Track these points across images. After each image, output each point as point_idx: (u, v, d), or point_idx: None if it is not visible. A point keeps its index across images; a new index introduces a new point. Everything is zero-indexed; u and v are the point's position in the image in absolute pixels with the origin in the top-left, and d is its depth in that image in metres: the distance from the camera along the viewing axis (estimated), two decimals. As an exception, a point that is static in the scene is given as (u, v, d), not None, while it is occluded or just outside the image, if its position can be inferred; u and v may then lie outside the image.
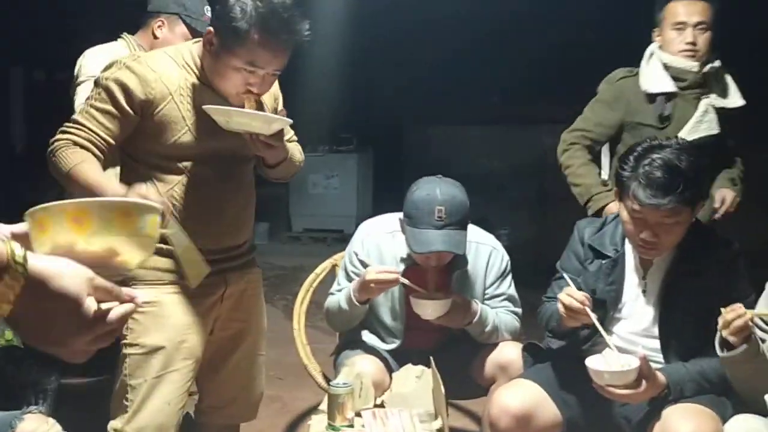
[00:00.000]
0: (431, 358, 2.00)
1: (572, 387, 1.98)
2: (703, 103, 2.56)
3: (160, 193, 1.82)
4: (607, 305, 1.98)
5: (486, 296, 2.25)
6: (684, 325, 1.91)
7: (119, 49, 2.53)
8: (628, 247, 1.99)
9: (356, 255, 2.25)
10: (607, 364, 1.79)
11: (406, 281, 2.10)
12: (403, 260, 2.20)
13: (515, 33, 6.44)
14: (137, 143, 1.88)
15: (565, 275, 1.95)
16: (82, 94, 2.29)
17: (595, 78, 2.77)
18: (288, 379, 3.24)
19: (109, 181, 1.74)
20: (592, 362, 1.79)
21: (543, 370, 2.02)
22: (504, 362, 2.15)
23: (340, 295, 2.22)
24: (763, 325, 1.84)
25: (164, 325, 1.86)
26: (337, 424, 1.86)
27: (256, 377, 2.17)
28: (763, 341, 1.82)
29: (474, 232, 2.25)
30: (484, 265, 2.25)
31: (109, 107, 1.80)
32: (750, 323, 1.68)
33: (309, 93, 5.80)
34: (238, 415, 2.18)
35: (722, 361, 1.74)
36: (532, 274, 2.73)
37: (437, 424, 1.91)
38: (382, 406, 2.02)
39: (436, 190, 2.08)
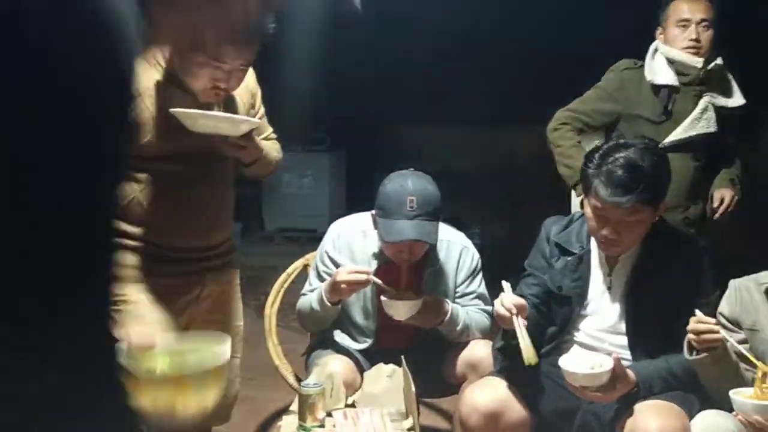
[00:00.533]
0: (402, 357, 2.00)
1: (541, 385, 1.99)
2: (703, 101, 2.56)
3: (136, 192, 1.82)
4: (572, 302, 2.00)
5: (457, 294, 2.26)
6: (650, 321, 1.94)
7: None
8: (594, 245, 2.01)
9: (327, 254, 2.25)
10: (579, 364, 1.81)
11: (377, 281, 2.10)
12: (375, 257, 2.20)
13: (489, 34, 6.47)
14: None
15: (504, 283, 1.95)
16: None
17: (568, 79, 2.79)
18: (259, 380, 3.21)
19: None
20: (566, 363, 1.81)
21: (513, 368, 2.04)
22: (474, 361, 2.16)
23: (311, 296, 2.21)
24: (728, 324, 1.88)
25: (139, 323, 1.84)
26: (308, 425, 1.86)
27: (231, 380, 2.15)
28: (726, 341, 1.86)
29: (445, 230, 2.26)
30: (455, 263, 2.26)
31: None
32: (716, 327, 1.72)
33: (282, 92, 5.76)
34: (210, 416, 2.15)
35: (692, 362, 1.78)
36: (503, 273, 2.73)
37: (408, 423, 1.91)
38: (353, 405, 2.02)
39: (407, 182, 2.10)
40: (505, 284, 1.94)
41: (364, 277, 2.07)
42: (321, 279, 2.24)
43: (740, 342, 1.84)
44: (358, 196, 5.23)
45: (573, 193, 2.68)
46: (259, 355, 3.23)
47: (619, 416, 1.86)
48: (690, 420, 1.79)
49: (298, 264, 2.57)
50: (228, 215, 2.03)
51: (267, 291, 2.59)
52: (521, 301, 1.87)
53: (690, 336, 1.73)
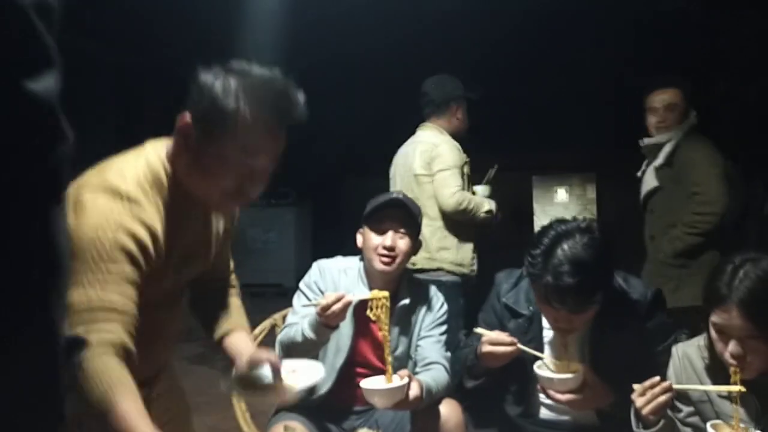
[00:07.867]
0: (376, 420, 1.92)
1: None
2: (643, 167, 3.47)
3: None
4: (527, 362, 1.95)
5: (421, 335, 2.25)
6: (611, 374, 1.88)
7: None
8: None
9: (316, 284, 2.27)
10: (551, 372, 1.85)
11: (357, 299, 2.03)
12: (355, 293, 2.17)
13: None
14: None
15: (478, 329, 1.96)
16: None
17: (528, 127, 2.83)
18: (227, 445, 3.10)
19: None
20: (539, 369, 1.84)
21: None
22: (442, 421, 2.10)
23: (301, 324, 2.11)
24: (676, 399, 1.81)
25: None
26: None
27: None
28: (680, 411, 1.79)
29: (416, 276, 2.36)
30: (425, 303, 2.29)
31: None
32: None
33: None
34: None
35: None
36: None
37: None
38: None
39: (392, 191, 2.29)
40: (480, 329, 1.94)
41: (348, 299, 1.99)
42: None
43: (689, 415, 1.78)
44: (324, 249, 5.18)
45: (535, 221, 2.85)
46: (226, 420, 3.12)
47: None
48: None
49: (266, 325, 2.52)
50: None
51: (234, 351, 2.51)
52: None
53: (638, 403, 1.63)
